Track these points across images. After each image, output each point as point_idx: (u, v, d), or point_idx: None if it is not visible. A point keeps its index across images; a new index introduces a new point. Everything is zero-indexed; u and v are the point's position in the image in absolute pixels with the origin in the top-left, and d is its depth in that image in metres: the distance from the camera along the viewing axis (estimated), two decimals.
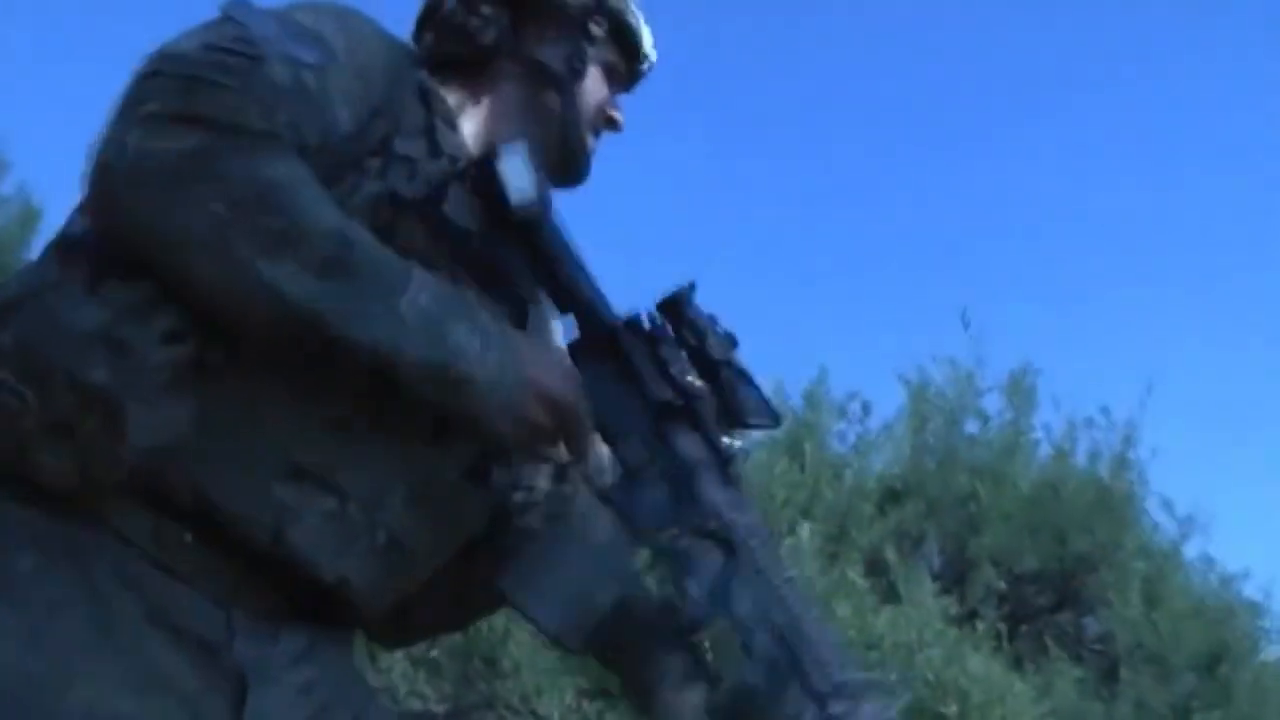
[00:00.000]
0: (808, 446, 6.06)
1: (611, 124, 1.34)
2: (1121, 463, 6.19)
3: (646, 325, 1.15)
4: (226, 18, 1.06)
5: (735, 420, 1.11)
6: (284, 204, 0.99)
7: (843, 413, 6.42)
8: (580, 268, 1.18)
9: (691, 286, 1.14)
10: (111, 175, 1.00)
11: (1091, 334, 9.90)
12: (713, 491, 1.07)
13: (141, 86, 1.01)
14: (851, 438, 6.38)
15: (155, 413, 0.99)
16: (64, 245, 1.07)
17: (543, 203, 1.14)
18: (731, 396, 1.11)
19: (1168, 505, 6.21)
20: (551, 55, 1.29)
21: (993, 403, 6.47)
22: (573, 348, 1.17)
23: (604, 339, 1.15)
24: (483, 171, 1.13)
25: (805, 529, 4.97)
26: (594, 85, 1.31)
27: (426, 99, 1.19)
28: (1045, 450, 6.30)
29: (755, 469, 5.93)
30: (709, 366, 1.12)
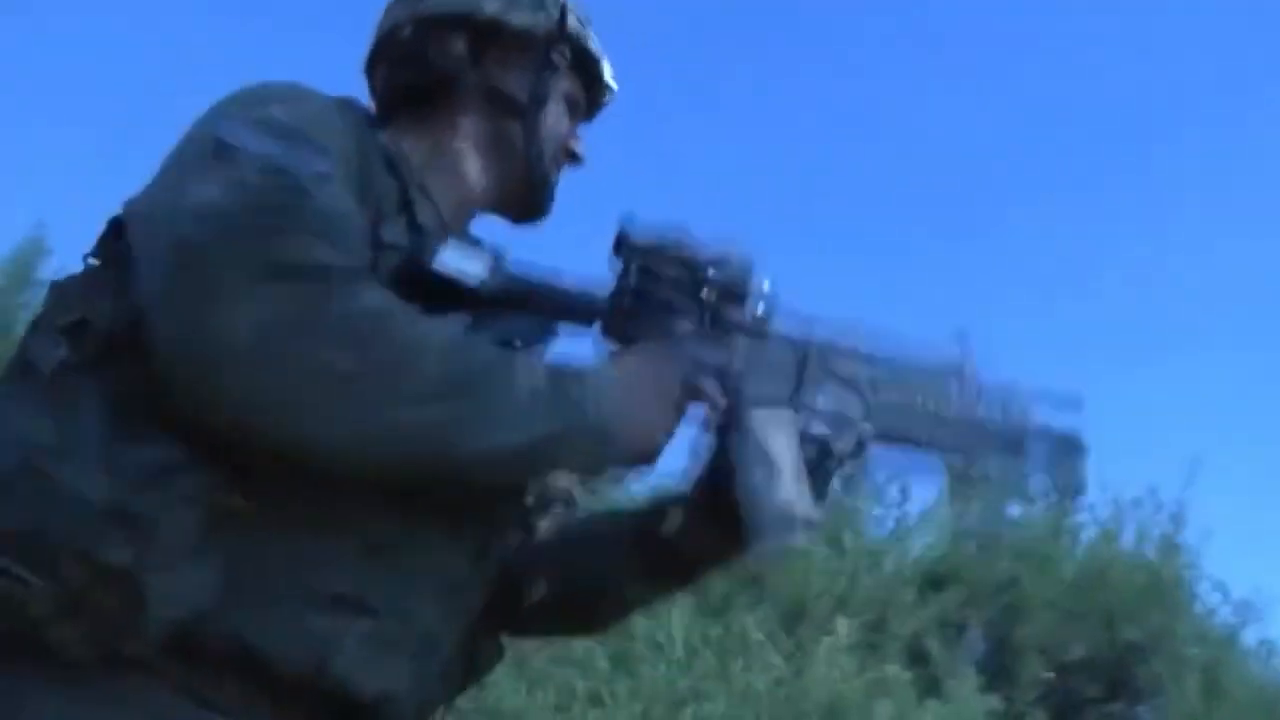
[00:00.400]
0: (847, 534, 5.95)
1: (573, 157, 1.30)
2: (1171, 545, 6.01)
3: (637, 270, 1.18)
4: (224, 145, 1.00)
5: (737, 275, 1.19)
6: (391, 335, 0.96)
7: (881, 498, 6.31)
8: (562, 286, 1.18)
9: (629, 218, 1.19)
10: (215, 363, 0.92)
11: (1136, 411, 9.70)
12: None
13: (197, 254, 0.94)
14: (890, 522, 6.26)
15: (179, 580, 0.94)
16: (53, 394, 0.98)
17: (499, 267, 1.13)
18: (726, 278, 1.18)
19: (1222, 589, 6.01)
20: (513, 84, 1.24)
21: (1036, 483, 6.31)
22: (613, 331, 1.19)
23: (646, 304, 1.18)
24: (432, 282, 1.10)
25: (842, 626, 4.84)
26: (556, 116, 1.27)
27: (394, 166, 1.15)
28: (1091, 533, 6.13)
29: (794, 555, 5.83)
30: (690, 268, 1.18)
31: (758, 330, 1.20)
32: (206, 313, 0.92)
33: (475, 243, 1.23)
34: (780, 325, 1.21)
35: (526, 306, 1.16)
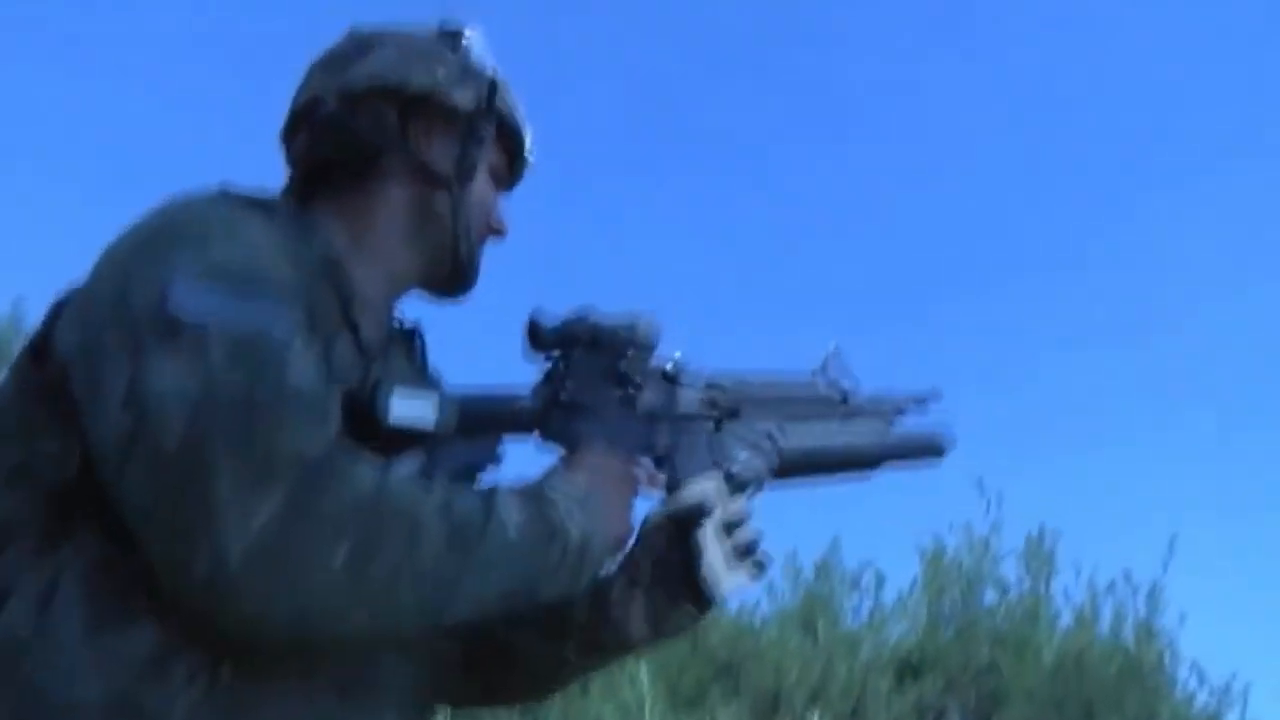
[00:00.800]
0: (820, 622, 5.91)
1: (495, 232, 1.29)
2: (1148, 629, 5.98)
3: (560, 364, 1.25)
4: (178, 322, 0.92)
5: (649, 349, 1.26)
6: (392, 513, 0.93)
7: (856, 584, 6.28)
8: (497, 399, 1.21)
9: (533, 315, 1.24)
10: (218, 585, 0.87)
11: (1109, 493, 9.70)
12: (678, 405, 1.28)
13: (178, 463, 0.88)
14: (866, 610, 6.22)
15: None
16: (25, 568, 0.94)
17: (444, 400, 1.13)
18: (631, 341, 1.24)
19: (1201, 673, 5.97)
20: (440, 157, 1.22)
21: (1011, 569, 6.30)
22: (552, 435, 1.24)
23: (574, 405, 1.23)
24: (385, 430, 1.08)
25: (815, 717, 4.77)
26: (481, 190, 1.25)
27: (331, 275, 1.11)
28: (1067, 618, 6.09)
29: (768, 645, 5.79)
30: (603, 341, 1.24)
31: (672, 378, 1.27)
32: (200, 529, 0.86)
33: (418, 379, 1.22)
34: (691, 393, 1.29)
35: (471, 428, 1.17)
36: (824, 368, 1.34)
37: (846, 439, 1.32)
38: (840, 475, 1.34)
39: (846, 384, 1.35)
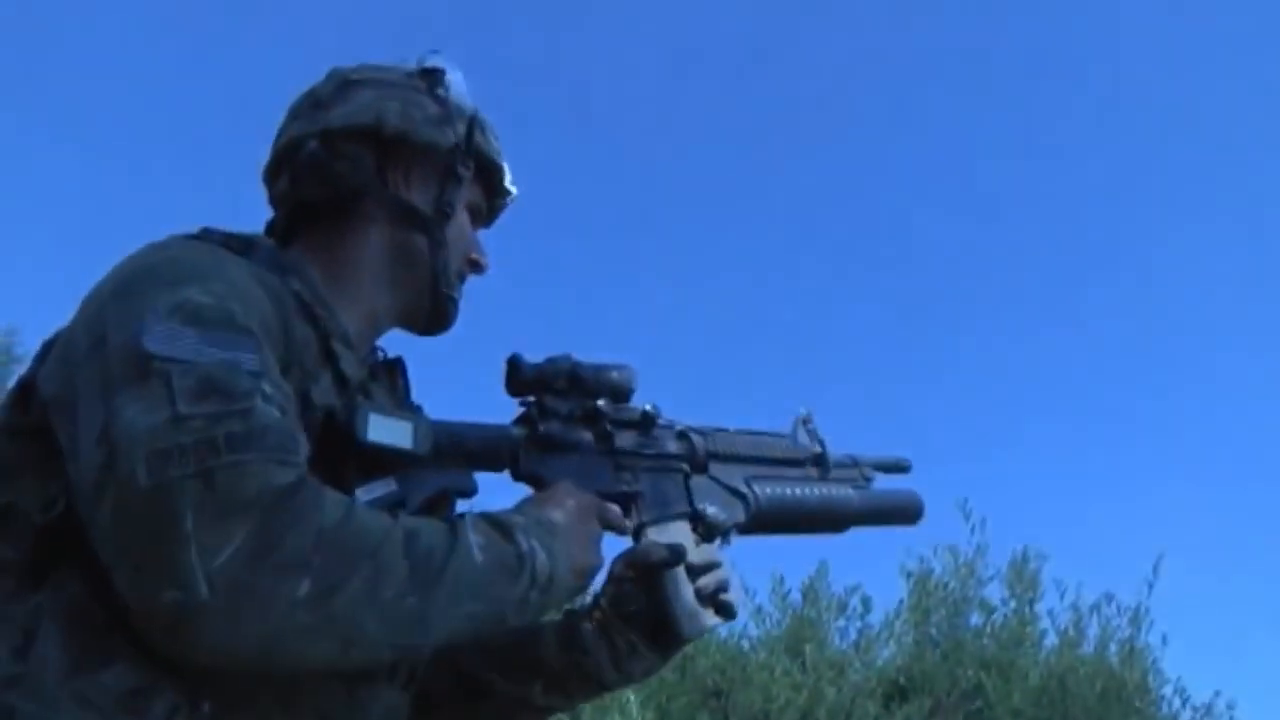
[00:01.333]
0: (808, 646, 5.93)
1: (476, 267, 1.30)
2: (1132, 649, 6.01)
3: (537, 406, 1.27)
4: (149, 358, 0.94)
5: (624, 396, 1.32)
6: (356, 547, 0.94)
7: (843, 608, 6.30)
8: (472, 433, 1.21)
9: (513, 356, 1.28)
10: (186, 617, 0.88)
11: (1093, 515, 9.76)
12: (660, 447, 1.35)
13: (147, 500, 0.89)
14: (853, 633, 6.24)
15: None
16: (5, 611, 0.95)
17: (420, 426, 1.13)
18: (607, 387, 1.30)
19: (1184, 693, 6.01)
20: (419, 198, 1.24)
21: (996, 591, 6.34)
22: (523, 474, 1.25)
23: (549, 443, 1.25)
24: (362, 454, 1.09)
25: None
26: (460, 227, 1.27)
27: (311, 313, 1.12)
28: (1052, 639, 6.13)
29: (756, 669, 5.80)
30: (580, 385, 1.29)
31: (646, 425, 1.32)
32: (167, 562, 0.88)
33: (397, 404, 1.23)
34: (666, 439, 1.34)
35: (447, 458, 1.17)
36: (794, 431, 1.40)
37: (822, 497, 1.37)
38: (811, 532, 1.39)
39: (818, 445, 1.42)
